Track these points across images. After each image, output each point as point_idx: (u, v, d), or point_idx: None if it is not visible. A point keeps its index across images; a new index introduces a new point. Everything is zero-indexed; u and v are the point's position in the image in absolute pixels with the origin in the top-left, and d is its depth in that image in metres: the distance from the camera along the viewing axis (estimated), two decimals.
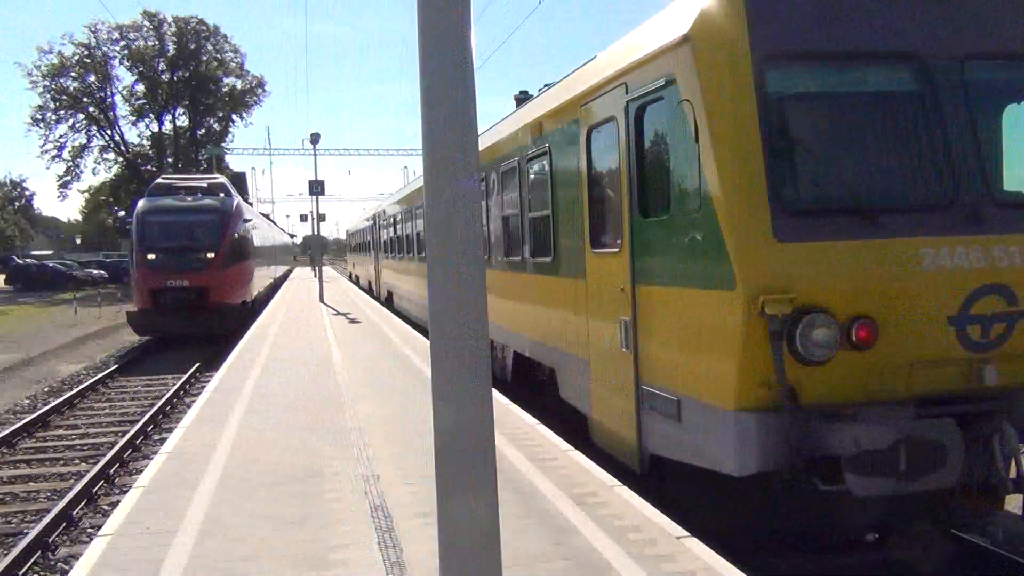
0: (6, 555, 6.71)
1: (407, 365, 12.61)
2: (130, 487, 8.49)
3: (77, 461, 10.23)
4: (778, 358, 4.72)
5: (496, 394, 9.63)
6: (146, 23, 60.79)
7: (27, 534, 7.15)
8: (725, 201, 4.92)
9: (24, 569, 6.54)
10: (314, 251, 37.82)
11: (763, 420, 4.83)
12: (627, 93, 6.21)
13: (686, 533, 5.01)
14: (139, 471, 9.35)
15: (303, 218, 64.31)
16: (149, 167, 60.26)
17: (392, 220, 24.14)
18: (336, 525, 5.44)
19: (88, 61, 59.38)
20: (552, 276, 8.30)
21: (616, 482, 6.12)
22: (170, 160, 61.12)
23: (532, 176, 9.05)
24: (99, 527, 7.42)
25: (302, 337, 16.84)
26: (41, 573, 6.69)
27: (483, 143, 11.97)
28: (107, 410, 13.50)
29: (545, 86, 9.96)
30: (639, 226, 6.14)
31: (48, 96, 58.96)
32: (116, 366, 17.63)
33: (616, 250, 6.55)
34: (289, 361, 13.39)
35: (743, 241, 4.85)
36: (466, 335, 2.13)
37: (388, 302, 26.22)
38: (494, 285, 11.26)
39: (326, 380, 11.39)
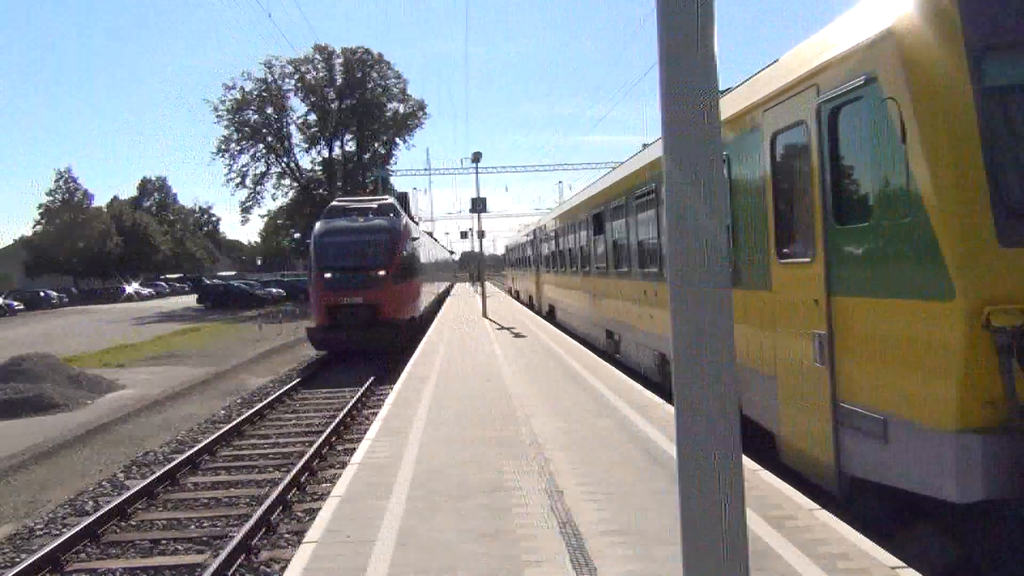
0: (216, 556, 7.16)
1: (576, 378, 12.58)
2: (320, 495, 8.96)
3: (270, 469, 10.83)
4: (1008, 374, 4.30)
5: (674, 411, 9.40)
6: (317, 56, 64.70)
7: (233, 537, 7.61)
8: (940, 204, 4.55)
9: (231, 570, 6.95)
10: (476, 267, 38.72)
11: (990, 442, 4.41)
12: (818, 95, 5.91)
13: (902, 563, 4.64)
14: (327, 480, 9.82)
15: (463, 235, 66.04)
16: (321, 191, 63.91)
17: (554, 234, 24.29)
18: (526, 540, 5.44)
19: (266, 95, 63.88)
20: (734, 288, 8.02)
21: (815, 505, 5.80)
22: (339, 184, 64.48)
23: None
24: (296, 532, 7.86)
25: (470, 352, 17.20)
26: (246, 574, 7.07)
27: (652, 154, 11.81)
28: (293, 421, 14.28)
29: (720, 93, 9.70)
30: (835, 234, 5.81)
31: (232, 129, 63.93)
32: (299, 379, 18.64)
33: (808, 260, 6.23)
34: (460, 375, 13.69)
35: (963, 247, 4.47)
36: (711, 355, 2.00)
37: (550, 316, 26.37)
38: (666, 298, 11.06)
39: (498, 394, 11.54)
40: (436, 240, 57.20)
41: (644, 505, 6.06)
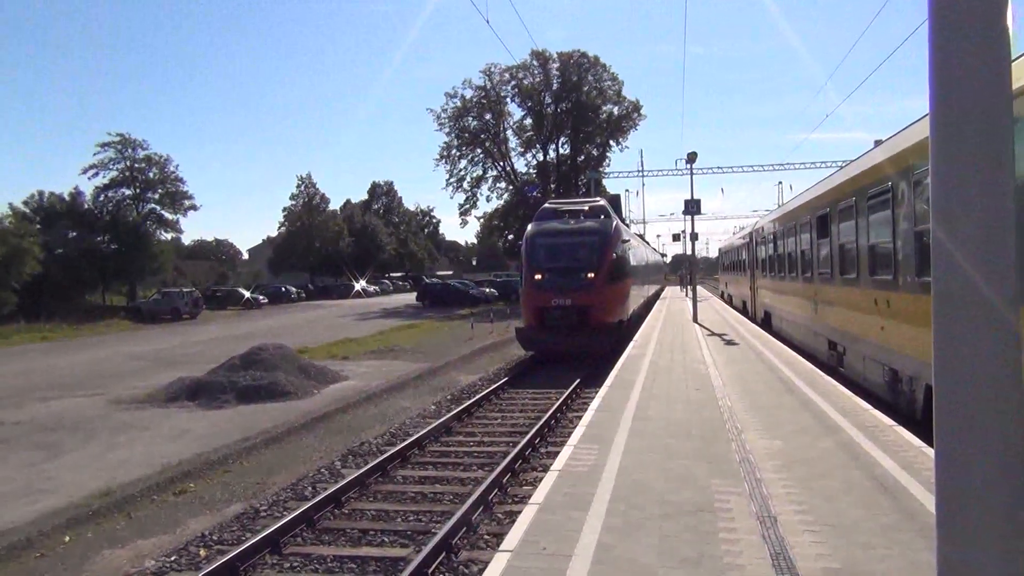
0: (418, 552, 7.25)
1: (793, 392, 11.70)
2: (521, 497, 8.87)
3: (475, 468, 10.95)
4: None
5: (908, 436, 8.44)
6: (534, 62, 66.03)
7: (435, 534, 7.69)
8: None
9: (432, 568, 6.99)
10: (688, 270, 37.63)
11: None
12: None
13: None
14: (528, 483, 9.74)
15: (675, 237, 64.74)
16: (535, 193, 65.14)
17: (772, 237, 23.01)
18: (734, 570, 4.98)
19: (484, 102, 66.14)
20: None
21: None
22: (553, 186, 65.41)
23: None
24: (495, 534, 7.80)
25: (678, 358, 16.61)
26: (444, 572, 7.09)
27: (889, 151, 10.75)
28: (499, 420, 14.43)
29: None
30: None
31: (453, 135, 66.82)
32: (506, 379, 18.89)
33: None
34: (668, 382, 13.20)
35: None
36: (987, 384, 1.53)
37: (765, 323, 25.03)
38: (900, 309, 9.98)
39: (707, 404, 10.96)
40: (647, 243, 56.42)
41: (871, 542, 5.38)
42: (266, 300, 68.13)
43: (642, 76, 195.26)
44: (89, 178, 62.05)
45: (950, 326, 1.55)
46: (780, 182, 78.52)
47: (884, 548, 5.24)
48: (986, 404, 1.52)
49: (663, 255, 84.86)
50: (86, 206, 61.68)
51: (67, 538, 8.40)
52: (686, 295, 45.35)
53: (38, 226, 52.71)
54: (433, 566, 7.05)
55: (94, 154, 61.49)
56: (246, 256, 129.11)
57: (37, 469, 11.42)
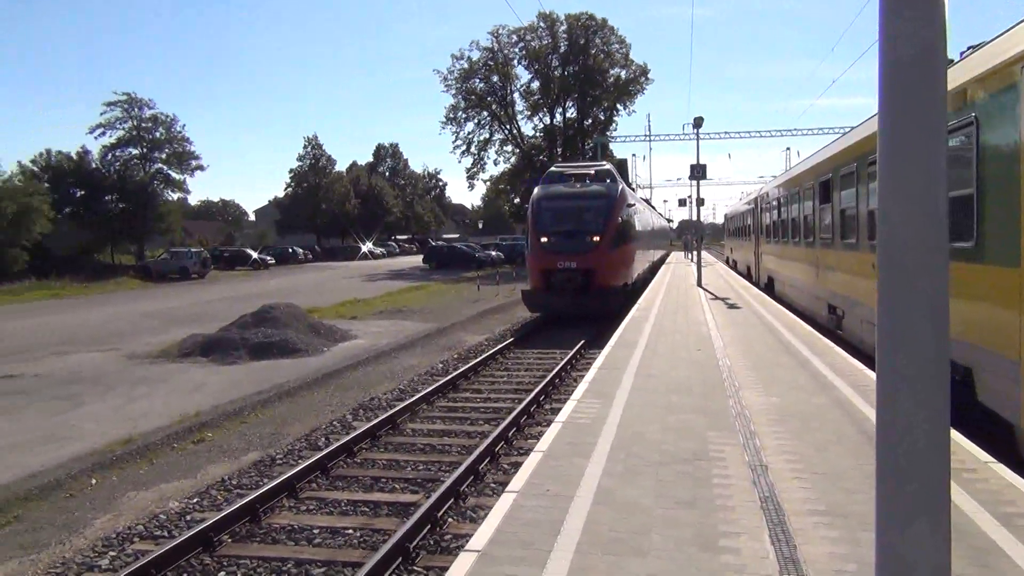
0: (428, 497, 7.64)
1: (792, 353, 12.03)
2: (526, 450, 9.24)
3: (481, 422, 11.34)
4: None
5: None
6: (541, 24, 65.57)
7: (444, 482, 8.08)
8: None
9: (441, 512, 7.38)
10: (692, 235, 37.86)
11: None
12: None
13: None
14: (533, 436, 10.12)
15: (681, 203, 64.85)
16: (541, 157, 65.10)
17: (776, 203, 23.21)
18: (725, 511, 5.33)
19: (492, 64, 65.80)
20: (973, 263, 7.30)
21: None
22: (559, 150, 65.32)
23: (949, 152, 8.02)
24: (501, 483, 8.17)
25: (681, 320, 16.93)
26: (454, 517, 7.49)
27: None
28: (505, 378, 14.81)
29: (969, 49, 8.76)
30: None
31: (459, 97, 66.58)
32: (512, 339, 19.26)
33: None
34: (670, 343, 13.54)
35: None
36: (921, 325, 1.83)
37: (768, 288, 25.33)
38: None
39: (708, 364, 11.30)
40: (653, 208, 56.48)
41: (856, 488, 5.73)
42: (273, 261, 68.53)
43: (650, 39, 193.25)
44: (96, 137, 62.21)
45: (892, 274, 1.85)
46: (788, 148, 78.03)
47: (867, 494, 5.58)
48: (922, 340, 1.83)
49: (669, 220, 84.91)
50: (93, 165, 61.84)
51: (93, 481, 8.83)
52: (691, 260, 45.57)
53: (46, 185, 52.94)
54: (443, 510, 7.44)
55: (101, 113, 61.57)
56: (252, 217, 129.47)
57: (59, 419, 11.85)
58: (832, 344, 12.87)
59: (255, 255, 66.69)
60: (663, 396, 9.17)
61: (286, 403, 13.02)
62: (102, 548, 6.89)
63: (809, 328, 15.06)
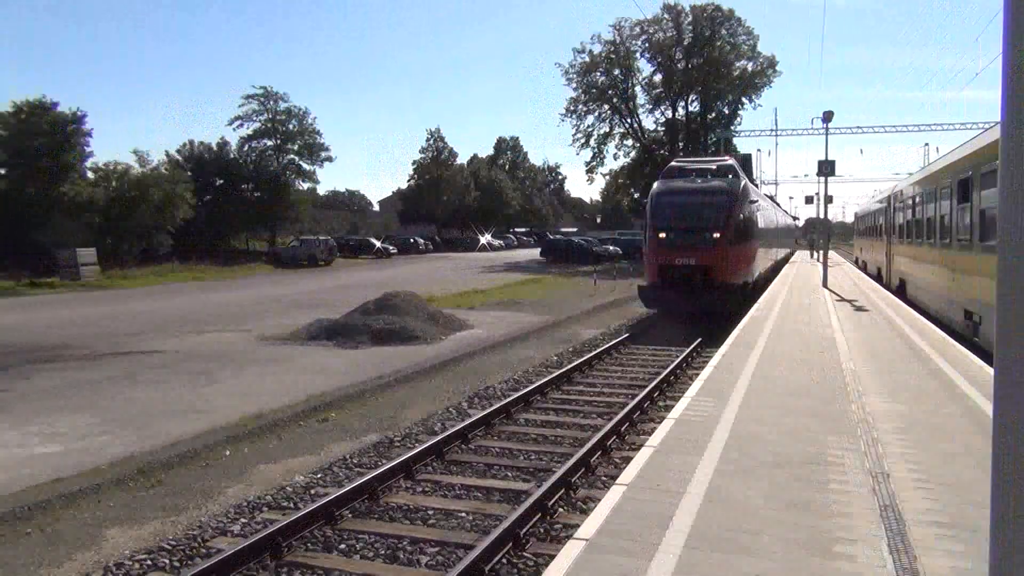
0: (539, 487, 7.78)
1: (922, 359, 11.51)
2: (638, 445, 9.25)
3: (594, 416, 11.40)
4: None
5: None
6: (665, 16, 64.57)
7: (555, 472, 8.20)
8: None
9: (552, 501, 7.50)
10: (817, 234, 36.48)
11: None
12: None
13: None
14: (645, 432, 10.10)
15: (808, 200, 62.68)
16: (662, 151, 64.24)
17: (911, 202, 22.13)
18: (841, 517, 5.21)
19: (613, 57, 65.32)
20: None
21: None
22: (681, 144, 64.27)
23: None
24: (612, 477, 8.21)
25: (804, 322, 16.44)
26: (564, 507, 7.60)
27: None
28: (619, 373, 14.80)
29: None
30: None
31: (580, 91, 66.46)
32: (627, 334, 19.20)
33: None
34: (790, 345, 13.19)
35: None
36: None
37: (900, 291, 24.19)
38: None
39: (830, 368, 10.95)
40: (778, 205, 54.81)
41: (983, 501, 5.42)
42: (395, 250, 70.41)
43: (778, 29, 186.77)
44: (234, 129, 65.66)
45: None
46: (927, 144, 74.12)
47: None
48: None
49: (795, 218, 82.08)
50: (232, 155, 65.28)
51: (227, 452, 9.42)
52: (817, 260, 43.94)
53: (189, 173, 56.23)
54: (553, 499, 7.56)
55: (239, 106, 64.94)
56: (376, 207, 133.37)
57: (196, 392, 12.67)
58: (967, 352, 12.22)
59: (378, 244, 68.76)
60: (780, 398, 8.98)
61: (405, 388, 13.46)
62: (234, 515, 7.37)
63: (942, 334, 14.34)
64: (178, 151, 63.50)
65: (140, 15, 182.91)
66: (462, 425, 10.14)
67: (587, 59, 65.41)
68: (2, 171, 43.75)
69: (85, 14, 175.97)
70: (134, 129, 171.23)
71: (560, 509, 7.54)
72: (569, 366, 14.65)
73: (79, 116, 45.60)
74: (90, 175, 47.07)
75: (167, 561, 6.30)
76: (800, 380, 10.06)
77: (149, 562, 6.27)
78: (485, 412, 10.90)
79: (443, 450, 9.33)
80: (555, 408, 11.90)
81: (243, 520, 7.23)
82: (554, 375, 13.72)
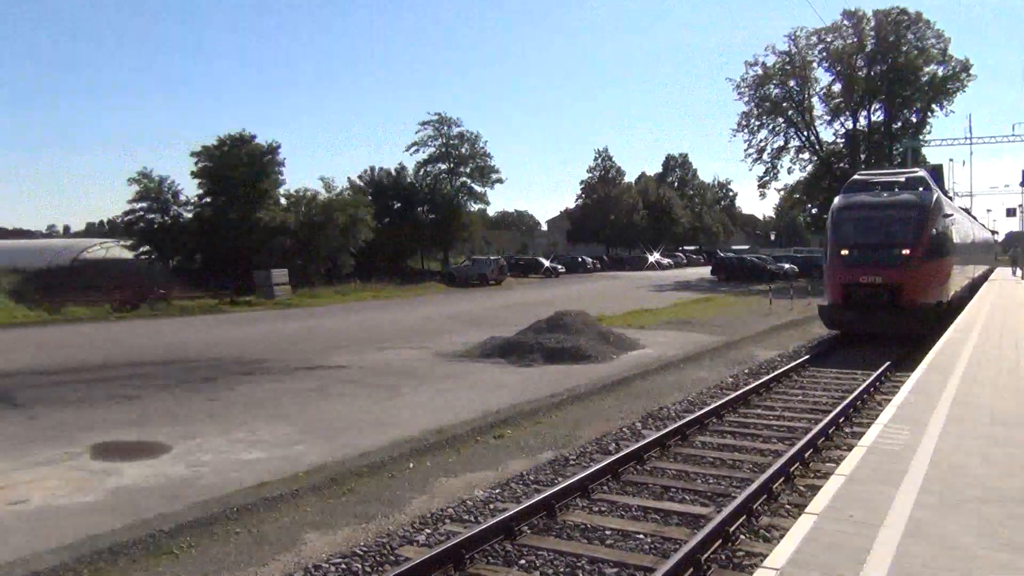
0: (719, 512, 7.58)
1: None
2: (824, 473, 8.82)
3: (774, 440, 10.98)
4: None
5: None
6: (845, 22, 61.71)
7: (735, 497, 7.96)
8: None
9: (733, 527, 7.29)
10: (1021, 248, 33.38)
11: None
12: None
13: None
14: (832, 460, 9.61)
15: (1009, 212, 57.76)
16: (841, 164, 61.26)
17: None
18: None
19: (788, 68, 63.07)
20: None
21: None
22: (863, 156, 60.99)
23: None
24: (797, 505, 7.89)
25: (1009, 344, 15.11)
26: (746, 535, 7.35)
27: None
28: (799, 397, 14.18)
29: None
30: None
31: (752, 104, 64.60)
32: (807, 356, 18.37)
33: None
34: (994, 371, 12.16)
35: None
36: None
37: None
38: None
39: None
40: (974, 218, 50.70)
41: None
42: (564, 269, 70.98)
43: (974, 29, 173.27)
44: (411, 154, 68.74)
45: None
46: None
47: None
48: None
49: (993, 232, 75.66)
50: (408, 180, 68.31)
51: (411, 464, 9.82)
52: (1020, 277, 40.30)
53: (370, 197, 59.28)
54: (734, 526, 7.34)
55: (415, 132, 67.95)
56: (544, 227, 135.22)
57: (381, 406, 13.30)
58: None
59: (547, 263, 69.62)
60: (986, 427, 8.29)
61: (578, 407, 13.52)
62: (419, 525, 7.67)
63: None
64: (360, 177, 67.21)
65: (326, 59, 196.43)
66: (637, 446, 10.05)
67: (759, 72, 63.60)
68: (208, 199, 47.85)
69: (282, 60, 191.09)
70: (320, 158, 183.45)
71: (742, 536, 7.30)
72: (746, 388, 14.20)
73: (274, 147, 49.22)
74: (283, 201, 50.60)
75: (359, 566, 6.64)
76: (1008, 408, 9.26)
77: (344, 566, 6.64)
78: (660, 433, 10.75)
79: (618, 470, 9.29)
80: (732, 431, 11.56)
81: (427, 531, 7.50)
82: (730, 397, 13.34)
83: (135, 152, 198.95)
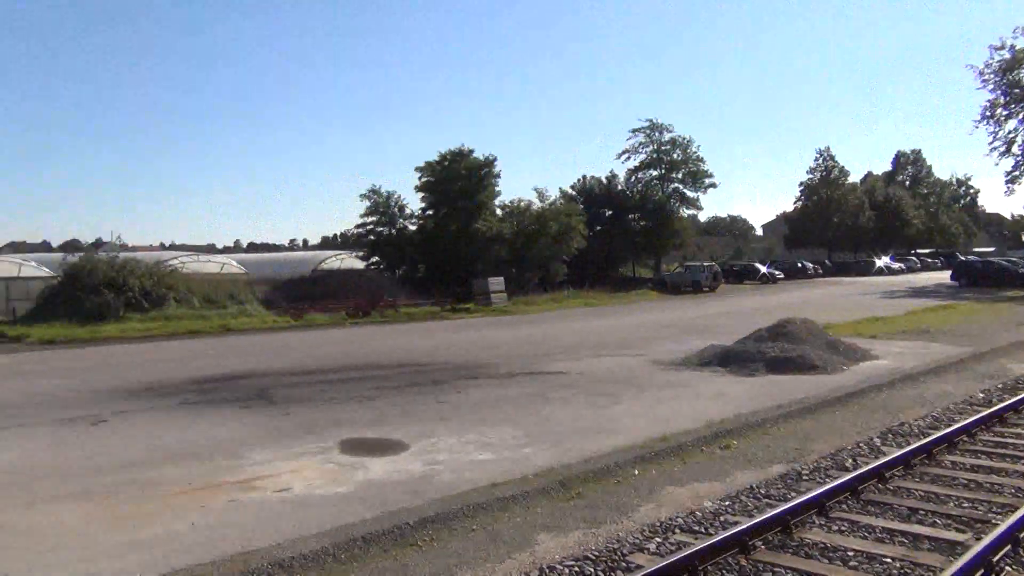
0: (979, 539, 6.93)
1: None
2: None
3: None
4: None
5: None
6: None
7: (998, 525, 7.25)
8: None
9: (998, 556, 6.64)
10: None
11: None
12: None
13: None
14: None
15: None
16: None
17: None
18: None
19: None
20: None
21: None
22: None
23: None
24: None
25: None
26: (1012, 566, 6.67)
27: None
28: None
29: None
30: None
31: (998, 92, 58.52)
32: None
33: None
34: None
35: None
36: None
37: None
38: None
39: None
40: None
41: None
42: (782, 275, 68.10)
43: None
44: (622, 162, 69.13)
45: None
46: None
47: None
48: None
49: None
50: (619, 187, 68.44)
51: (636, 471, 9.81)
52: None
53: (581, 206, 60.03)
54: (999, 555, 6.69)
55: (626, 139, 68.03)
56: (759, 232, 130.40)
57: (601, 412, 13.39)
58: None
59: (764, 269, 67.10)
60: None
61: (807, 419, 12.89)
62: (648, 533, 7.63)
63: None
64: (572, 186, 68.28)
65: (537, 73, 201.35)
66: (878, 463, 9.41)
67: (1007, 56, 57.46)
68: (430, 211, 50.55)
69: (496, 75, 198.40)
70: (534, 168, 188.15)
71: (1007, 567, 6.63)
72: (1000, 405, 12.89)
73: (490, 160, 51.12)
74: (499, 212, 52.45)
75: (592, 570, 6.72)
76: None
77: (576, 569, 6.74)
78: (903, 451, 9.99)
79: (858, 488, 8.75)
80: (987, 452, 10.52)
81: (657, 540, 7.44)
82: (983, 414, 12.16)
83: (365, 168, 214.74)
